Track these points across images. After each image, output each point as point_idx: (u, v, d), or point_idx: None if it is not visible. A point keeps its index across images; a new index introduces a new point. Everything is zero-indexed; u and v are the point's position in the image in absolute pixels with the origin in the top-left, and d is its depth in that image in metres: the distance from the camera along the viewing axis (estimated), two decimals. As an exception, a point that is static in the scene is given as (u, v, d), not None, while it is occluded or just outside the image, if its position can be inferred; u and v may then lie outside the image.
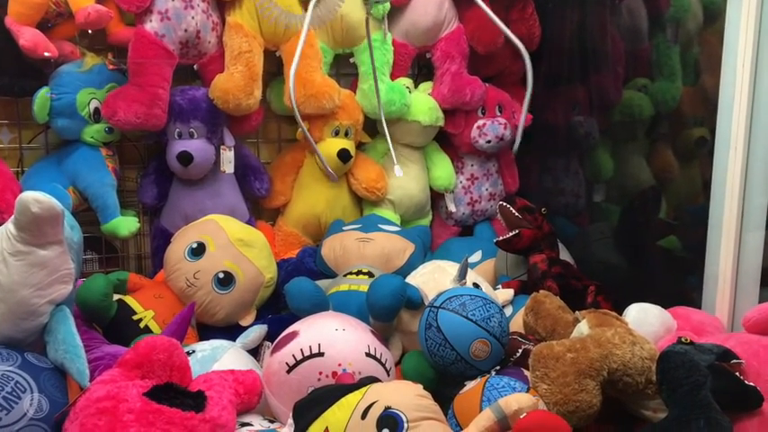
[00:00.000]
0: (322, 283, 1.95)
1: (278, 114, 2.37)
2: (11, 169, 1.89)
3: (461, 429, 1.40)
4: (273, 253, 2.11)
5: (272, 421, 1.52)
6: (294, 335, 1.58)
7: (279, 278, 2.05)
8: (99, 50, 2.08)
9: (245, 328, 1.87)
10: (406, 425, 1.27)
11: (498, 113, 2.41)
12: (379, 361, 1.58)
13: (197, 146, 2.09)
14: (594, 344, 1.41)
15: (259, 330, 1.83)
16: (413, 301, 1.78)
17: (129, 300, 1.86)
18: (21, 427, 1.26)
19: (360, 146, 2.39)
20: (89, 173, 2.03)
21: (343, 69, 2.41)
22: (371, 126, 2.41)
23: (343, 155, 2.22)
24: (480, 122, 2.39)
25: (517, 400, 1.32)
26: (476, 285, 1.89)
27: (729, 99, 1.67)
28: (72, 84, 1.99)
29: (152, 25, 1.98)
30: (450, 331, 1.57)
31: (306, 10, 1.88)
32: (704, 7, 1.93)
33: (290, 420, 1.39)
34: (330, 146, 2.24)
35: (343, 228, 2.23)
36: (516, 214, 2.05)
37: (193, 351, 1.64)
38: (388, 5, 2.26)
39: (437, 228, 2.52)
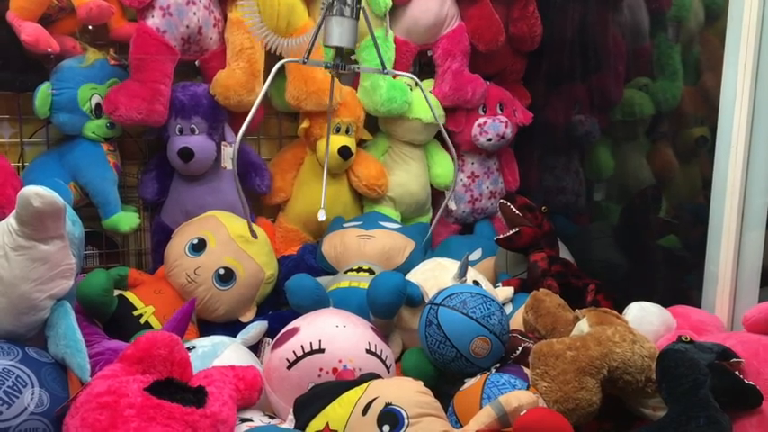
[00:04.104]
0: (322, 279, 1.95)
1: (279, 111, 2.37)
2: (12, 164, 1.89)
3: (461, 426, 1.40)
4: (274, 249, 2.11)
5: (272, 417, 1.52)
6: (295, 331, 1.58)
7: (279, 275, 2.05)
8: (100, 46, 2.08)
9: (245, 325, 1.87)
10: (406, 421, 1.27)
11: (499, 111, 2.41)
12: (379, 358, 1.58)
13: (198, 142, 2.09)
14: (595, 342, 1.41)
15: (259, 326, 1.84)
16: (413, 299, 1.78)
17: (129, 295, 1.86)
18: (21, 422, 1.26)
19: (360, 143, 2.39)
20: (90, 168, 2.03)
21: (345, 67, 2.41)
22: (372, 123, 2.41)
23: (344, 152, 2.22)
24: (481, 120, 2.39)
25: (517, 398, 1.32)
26: (476, 283, 1.89)
27: (730, 98, 1.67)
28: (73, 79, 1.99)
29: (154, 21, 1.98)
30: (451, 328, 1.58)
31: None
32: (706, 6, 1.93)
33: (291, 416, 1.39)
34: (331, 143, 2.23)
35: (344, 225, 2.23)
36: (517, 212, 2.06)
37: (194, 347, 1.64)
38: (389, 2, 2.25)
39: (437, 225, 2.52)
